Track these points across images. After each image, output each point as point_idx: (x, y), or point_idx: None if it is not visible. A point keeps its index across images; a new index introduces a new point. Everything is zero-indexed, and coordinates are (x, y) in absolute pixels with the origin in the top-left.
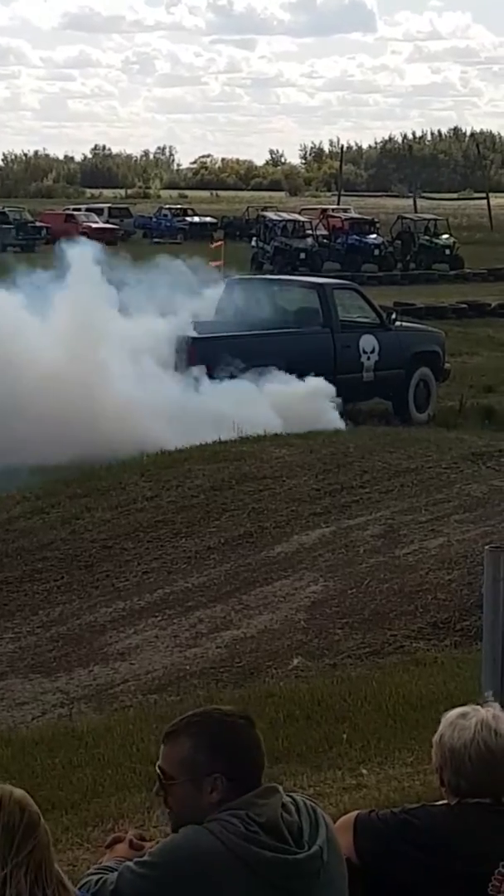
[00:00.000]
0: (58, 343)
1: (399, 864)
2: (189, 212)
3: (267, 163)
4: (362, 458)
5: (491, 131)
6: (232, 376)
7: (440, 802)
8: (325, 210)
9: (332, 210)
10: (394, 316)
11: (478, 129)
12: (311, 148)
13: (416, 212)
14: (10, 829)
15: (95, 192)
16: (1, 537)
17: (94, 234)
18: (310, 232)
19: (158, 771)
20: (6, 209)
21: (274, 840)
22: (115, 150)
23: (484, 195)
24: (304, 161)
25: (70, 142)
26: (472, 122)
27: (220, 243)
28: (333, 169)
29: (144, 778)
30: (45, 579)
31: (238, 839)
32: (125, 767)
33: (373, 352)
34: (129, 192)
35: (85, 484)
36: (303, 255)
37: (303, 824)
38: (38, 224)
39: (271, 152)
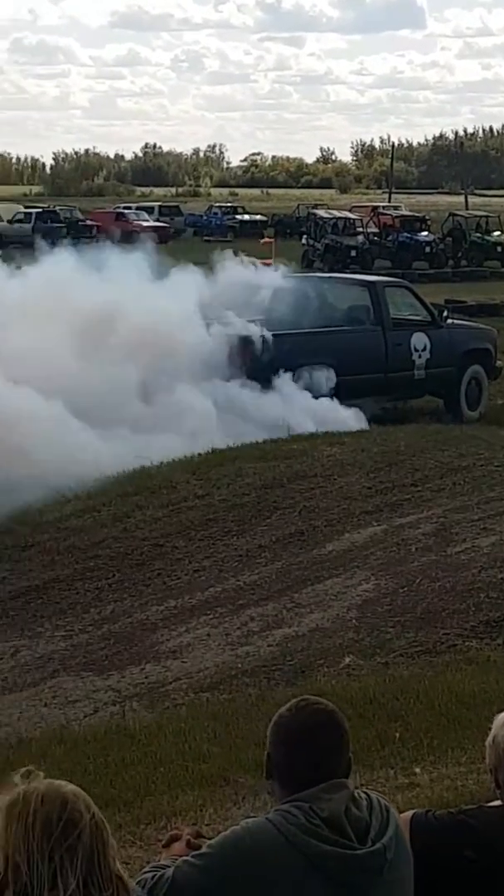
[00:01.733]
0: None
1: (454, 865)
2: (239, 210)
3: (317, 160)
4: (413, 457)
5: None
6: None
7: (495, 803)
8: (375, 207)
9: (383, 207)
10: (445, 313)
11: None
12: (362, 145)
13: (467, 209)
14: (48, 825)
15: (146, 190)
16: (53, 535)
17: (144, 233)
18: (360, 229)
19: None
20: (57, 208)
21: (335, 834)
22: (165, 149)
23: None
24: (354, 158)
25: (120, 140)
26: None
27: (269, 241)
28: (384, 166)
29: (197, 776)
30: (97, 577)
31: (298, 831)
32: (177, 765)
33: (424, 349)
34: (180, 190)
35: (136, 482)
36: (353, 253)
37: (372, 821)
38: (88, 223)
39: (321, 150)
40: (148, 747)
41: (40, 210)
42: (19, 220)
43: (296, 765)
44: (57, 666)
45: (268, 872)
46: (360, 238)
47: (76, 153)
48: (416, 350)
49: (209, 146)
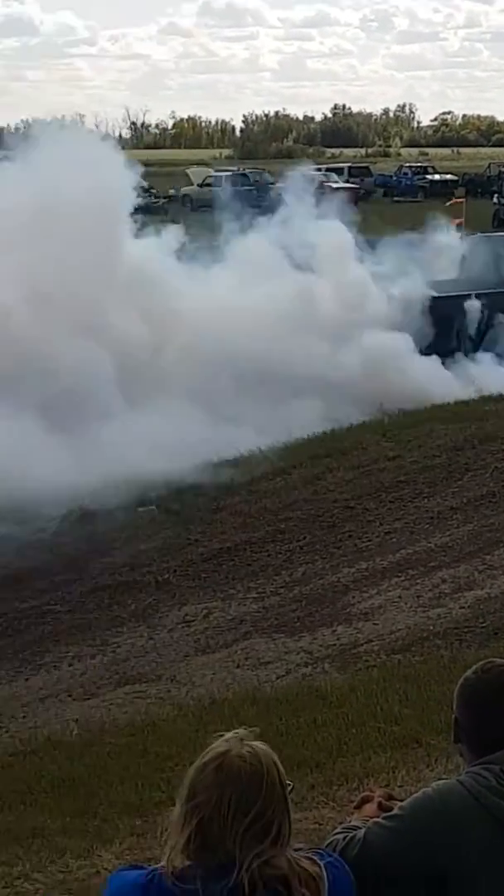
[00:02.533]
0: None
1: None
2: (430, 169)
3: None
4: None
5: None
6: (472, 334)
7: None
8: None
9: None
10: None
11: None
12: None
13: None
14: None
15: (335, 151)
16: (244, 498)
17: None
18: None
19: None
20: (246, 170)
21: None
22: (354, 109)
23: None
24: None
25: (309, 102)
26: None
27: (460, 200)
28: None
29: (389, 737)
30: (288, 539)
31: (489, 793)
32: (369, 727)
33: None
34: (370, 150)
35: (326, 444)
36: None
37: None
38: (277, 185)
39: None
40: (340, 709)
41: (230, 173)
42: (209, 184)
43: (482, 727)
44: (249, 628)
45: (457, 833)
46: None
47: (265, 115)
48: None
49: (399, 106)
